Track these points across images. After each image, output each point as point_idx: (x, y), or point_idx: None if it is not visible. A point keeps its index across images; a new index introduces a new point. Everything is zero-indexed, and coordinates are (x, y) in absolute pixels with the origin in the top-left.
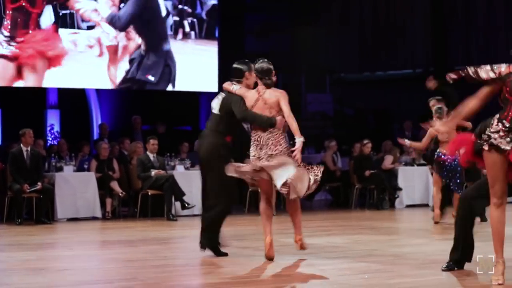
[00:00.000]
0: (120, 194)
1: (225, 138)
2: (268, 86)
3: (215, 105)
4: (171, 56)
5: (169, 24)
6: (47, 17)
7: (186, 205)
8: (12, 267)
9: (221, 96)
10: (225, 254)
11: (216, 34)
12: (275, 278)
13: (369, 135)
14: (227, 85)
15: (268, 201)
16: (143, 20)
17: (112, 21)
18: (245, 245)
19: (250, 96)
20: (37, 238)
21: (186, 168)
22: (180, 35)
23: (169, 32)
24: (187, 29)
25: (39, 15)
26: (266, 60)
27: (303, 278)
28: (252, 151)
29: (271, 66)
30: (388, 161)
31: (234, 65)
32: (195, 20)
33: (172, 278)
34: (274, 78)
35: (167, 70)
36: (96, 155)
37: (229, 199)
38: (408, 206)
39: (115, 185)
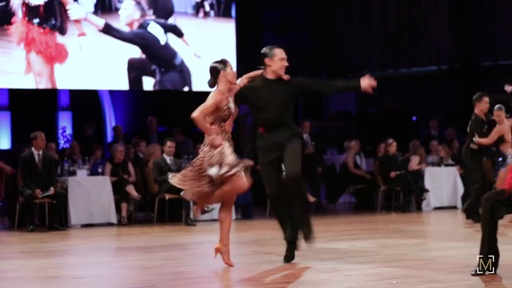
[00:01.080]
0: (137, 198)
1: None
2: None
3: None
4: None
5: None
6: None
7: (206, 209)
8: (25, 276)
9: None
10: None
11: (234, 35)
12: (300, 284)
13: (394, 134)
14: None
15: None
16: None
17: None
18: (267, 250)
19: None
20: (50, 245)
21: None
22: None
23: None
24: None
25: None
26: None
27: (329, 284)
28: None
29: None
30: (414, 162)
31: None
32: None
33: (192, 285)
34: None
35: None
36: (111, 158)
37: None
38: (436, 208)
39: (131, 189)
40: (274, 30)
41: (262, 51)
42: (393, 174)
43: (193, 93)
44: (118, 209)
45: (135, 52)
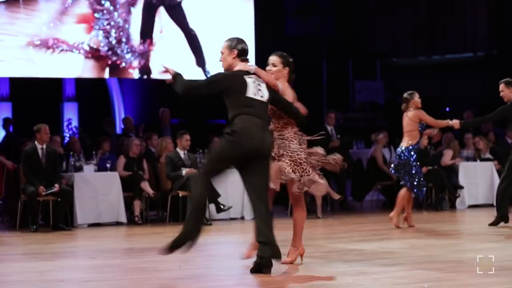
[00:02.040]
0: (152, 195)
1: None
2: None
3: (264, 92)
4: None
5: None
6: None
7: (222, 207)
8: (27, 279)
9: (262, 83)
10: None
11: (253, 18)
12: (321, 287)
13: (426, 126)
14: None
15: None
16: None
17: None
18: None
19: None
20: (55, 246)
21: None
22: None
23: None
24: None
25: None
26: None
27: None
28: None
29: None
30: (447, 156)
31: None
32: None
33: None
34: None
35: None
36: (125, 152)
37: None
38: (471, 206)
39: (146, 186)
40: (296, 14)
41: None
42: (424, 169)
43: None
44: (128, 207)
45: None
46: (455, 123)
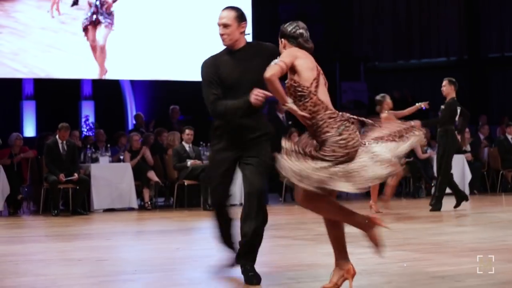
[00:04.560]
0: (154, 183)
1: None
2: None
3: None
4: None
5: None
6: None
7: None
8: (49, 258)
9: None
10: None
11: (250, 26)
12: (314, 267)
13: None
14: None
15: None
16: None
17: None
18: (282, 235)
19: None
20: (74, 229)
21: None
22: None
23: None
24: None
25: None
26: None
27: None
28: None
29: None
30: (418, 149)
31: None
32: None
33: (211, 269)
34: None
35: None
36: (129, 146)
37: None
38: (445, 194)
39: (152, 174)
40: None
41: None
42: (403, 161)
43: None
44: (139, 195)
45: (157, 42)
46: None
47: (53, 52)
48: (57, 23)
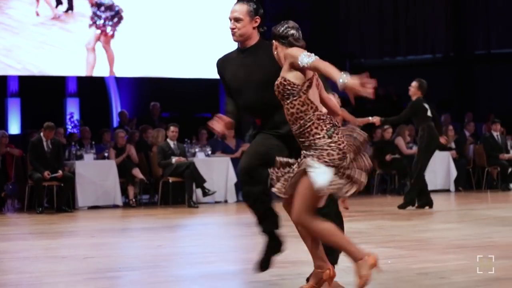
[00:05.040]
0: (144, 180)
1: None
2: None
3: None
4: None
5: None
6: None
7: (207, 191)
8: (34, 255)
9: None
10: None
11: None
12: (298, 264)
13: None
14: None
15: None
16: None
17: None
18: None
19: None
20: (59, 226)
21: (207, 155)
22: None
23: None
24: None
25: None
26: None
27: None
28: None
29: None
30: (402, 145)
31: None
32: None
33: (196, 265)
34: None
35: None
36: (114, 143)
37: None
38: (430, 191)
39: (136, 171)
40: (276, 18)
41: None
42: (388, 157)
43: (196, 80)
44: (124, 192)
45: (143, 39)
46: (376, 120)
47: (47, 49)
48: (50, 20)
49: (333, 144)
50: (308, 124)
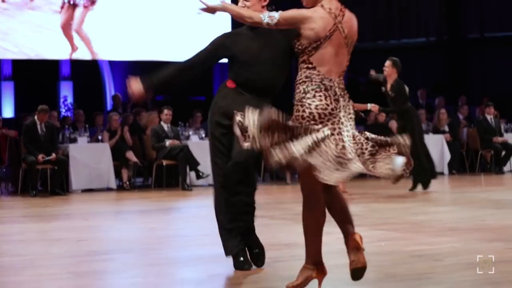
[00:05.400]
0: (138, 163)
1: None
2: None
3: None
4: None
5: None
6: None
7: (201, 174)
8: (28, 238)
9: None
10: None
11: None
12: (292, 246)
13: (382, 103)
14: None
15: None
16: None
17: None
18: (260, 214)
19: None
20: (52, 209)
21: (201, 138)
22: None
23: None
24: None
25: None
26: None
27: None
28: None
29: None
30: (394, 126)
31: None
32: None
33: (190, 248)
34: None
35: None
36: (108, 126)
37: None
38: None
39: (130, 155)
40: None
41: None
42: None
43: None
44: (117, 175)
45: (135, 22)
46: (374, 108)
47: (44, 33)
48: (46, 3)
49: (305, 100)
50: (297, 84)
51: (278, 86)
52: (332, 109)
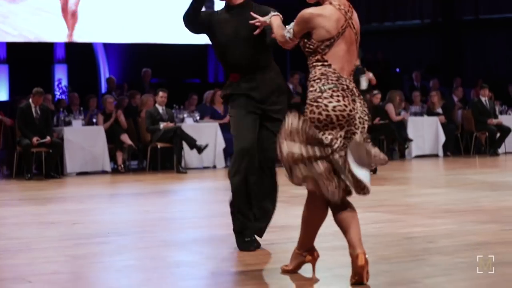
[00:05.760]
0: (133, 146)
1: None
2: None
3: None
4: None
5: None
6: None
7: (201, 147)
8: (23, 221)
9: None
10: None
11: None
12: (284, 229)
13: (378, 86)
14: None
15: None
16: None
17: None
18: None
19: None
20: (47, 192)
21: (195, 121)
22: None
23: None
24: None
25: None
26: None
27: None
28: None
29: None
30: (391, 111)
31: None
32: None
33: (185, 230)
34: None
35: None
36: (103, 109)
37: None
38: (418, 156)
39: (125, 137)
40: None
41: None
42: (377, 120)
43: (185, 46)
44: (112, 158)
45: (130, 4)
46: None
47: (43, 15)
48: None
49: (320, 100)
50: (311, 82)
51: (256, 64)
52: (350, 111)
